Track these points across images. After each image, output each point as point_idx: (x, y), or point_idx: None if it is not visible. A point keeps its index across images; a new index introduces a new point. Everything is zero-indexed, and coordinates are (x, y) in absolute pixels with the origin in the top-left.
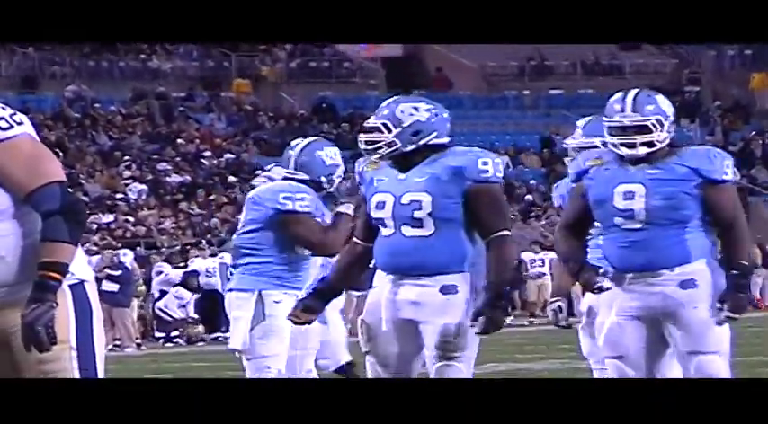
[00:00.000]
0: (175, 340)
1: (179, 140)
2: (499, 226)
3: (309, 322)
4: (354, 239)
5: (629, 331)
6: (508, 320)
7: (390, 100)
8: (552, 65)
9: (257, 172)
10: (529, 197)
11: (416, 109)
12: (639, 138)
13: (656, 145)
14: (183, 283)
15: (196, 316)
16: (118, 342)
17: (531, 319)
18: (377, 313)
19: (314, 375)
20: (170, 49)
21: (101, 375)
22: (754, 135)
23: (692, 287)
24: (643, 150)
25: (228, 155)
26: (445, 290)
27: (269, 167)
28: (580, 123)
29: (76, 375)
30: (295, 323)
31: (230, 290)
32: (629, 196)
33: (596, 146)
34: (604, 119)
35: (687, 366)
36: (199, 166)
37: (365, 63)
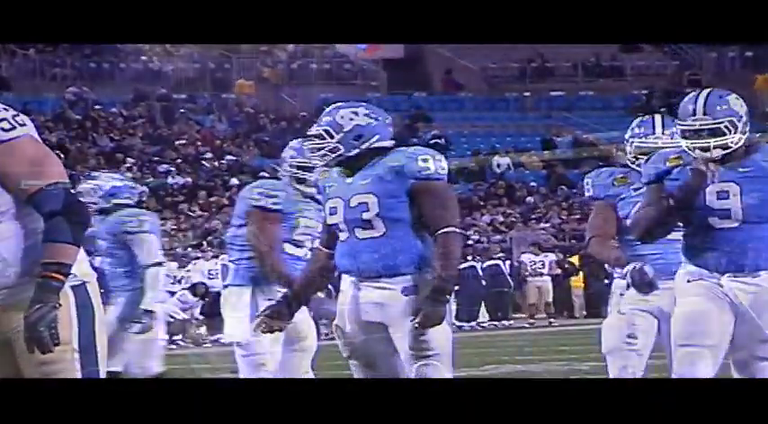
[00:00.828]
0: (178, 342)
1: (179, 142)
2: (444, 223)
3: (281, 329)
4: (318, 246)
5: (724, 320)
6: (507, 323)
7: (331, 107)
8: (553, 66)
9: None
10: (530, 199)
11: (356, 113)
12: (713, 141)
13: (730, 147)
14: (190, 287)
15: (200, 317)
16: None
17: (532, 321)
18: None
19: (310, 375)
20: (171, 51)
21: (103, 376)
22: (758, 137)
23: None
24: (717, 153)
25: (229, 157)
26: (407, 291)
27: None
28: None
29: (78, 376)
30: (263, 332)
31: (226, 286)
32: (723, 195)
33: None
34: (677, 121)
35: (741, 369)
36: (200, 168)
37: (366, 65)
